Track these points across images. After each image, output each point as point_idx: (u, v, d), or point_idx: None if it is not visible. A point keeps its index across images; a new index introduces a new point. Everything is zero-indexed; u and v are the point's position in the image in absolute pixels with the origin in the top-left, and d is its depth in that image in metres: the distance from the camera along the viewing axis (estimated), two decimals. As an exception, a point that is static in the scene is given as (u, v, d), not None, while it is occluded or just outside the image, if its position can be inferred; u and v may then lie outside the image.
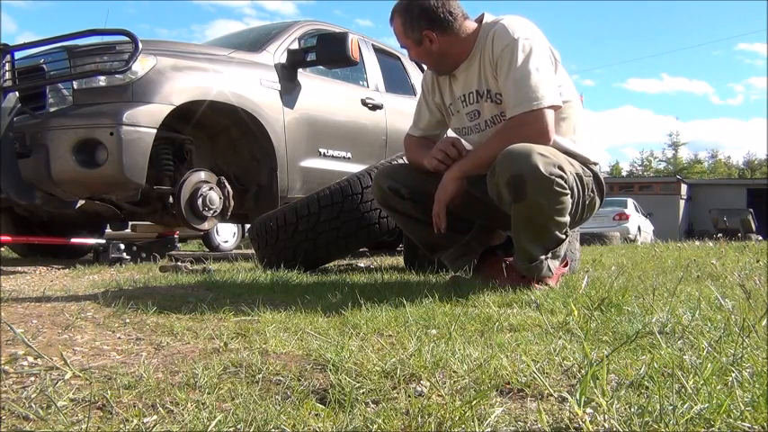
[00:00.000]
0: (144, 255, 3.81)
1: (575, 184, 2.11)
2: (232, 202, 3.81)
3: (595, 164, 2.31)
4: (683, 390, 0.88)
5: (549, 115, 2.05)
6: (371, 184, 2.52)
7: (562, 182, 1.99)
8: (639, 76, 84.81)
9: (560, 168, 2.00)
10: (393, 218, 2.57)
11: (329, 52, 3.98)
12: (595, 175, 2.29)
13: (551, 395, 0.93)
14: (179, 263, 3.13)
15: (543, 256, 2.09)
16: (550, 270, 2.12)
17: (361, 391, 0.95)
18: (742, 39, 76.40)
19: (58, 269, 3.44)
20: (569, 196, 2.05)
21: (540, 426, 0.81)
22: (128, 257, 3.68)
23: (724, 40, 76.78)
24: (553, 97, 2.06)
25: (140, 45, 3.19)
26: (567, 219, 2.09)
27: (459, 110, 2.29)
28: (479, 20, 2.25)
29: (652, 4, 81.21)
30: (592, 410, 0.84)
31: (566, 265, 2.32)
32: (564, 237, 2.13)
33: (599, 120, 72.50)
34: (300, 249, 2.82)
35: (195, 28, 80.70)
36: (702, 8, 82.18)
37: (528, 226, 2.07)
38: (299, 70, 4.14)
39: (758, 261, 3.22)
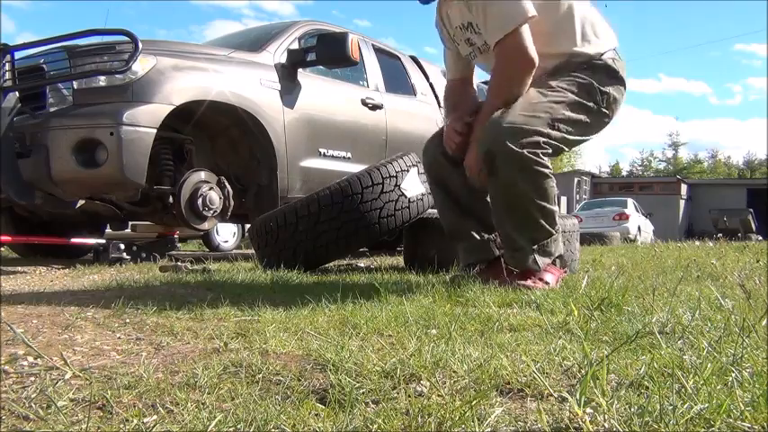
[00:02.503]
0: (144, 255, 3.81)
1: (565, 131, 2.11)
2: (232, 202, 3.81)
3: (604, 53, 2.24)
4: (683, 390, 0.88)
5: (523, 34, 2.09)
6: (422, 155, 2.49)
7: (536, 156, 2.00)
8: (637, 76, 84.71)
9: (538, 134, 2.01)
10: (434, 193, 2.52)
11: (329, 52, 3.98)
12: (606, 67, 2.23)
13: (551, 395, 0.93)
14: (179, 263, 3.13)
15: (529, 247, 2.10)
16: (537, 264, 2.11)
17: (361, 391, 0.95)
18: (739, 39, 76.39)
19: (58, 269, 3.44)
20: (548, 179, 2.06)
21: (540, 426, 0.81)
22: (128, 257, 3.67)
23: (721, 40, 76.89)
24: (518, 13, 2.08)
25: (140, 45, 3.19)
26: (551, 206, 2.10)
27: (459, 41, 2.36)
28: None
29: (651, 4, 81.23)
30: (592, 410, 0.84)
31: (565, 269, 2.31)
32: (551, 229, 2.12)
33: (598, 120, 72.13)
34: (300, 249, 2.82)
35: (194, 28, 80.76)
36: (700, 9, 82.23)
37: (510, 210, 2.09)
38: (299, 70, 4.14)
39: (758, 261, 3.22)
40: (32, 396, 0.93)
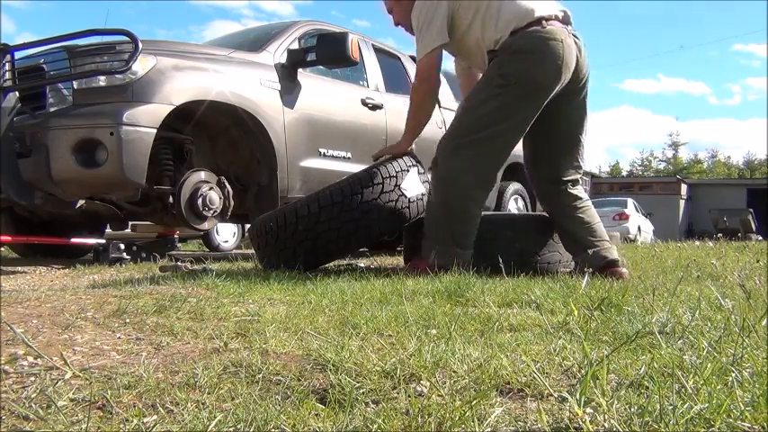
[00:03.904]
0: (144, 255, 3.81)
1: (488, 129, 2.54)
2: (232, 202, 3.81)
3: (500, 38, 2.57)
4: (683, 390, 0.88)
5: (427, 61, 2.68)
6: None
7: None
8: (636, 76, 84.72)
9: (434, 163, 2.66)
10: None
11: (329, 52, 3.98)
12: (505, 49, 2.56)
13: (551, 395, 0.93)
14: (179, 263, 3.13)
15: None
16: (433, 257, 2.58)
17: (361, 391, 0.95)
18: (737, 40, 76.35)
19: (58, 269, 3.44)
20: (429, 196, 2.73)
21: (540, 426, 0.81)
22: (128, 257, 3.67)
23: (720, 41, 76.87)
24: (427, 45, 2.65)
25: (140, 45, 3.18)
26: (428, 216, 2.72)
27: None
28: None
29: (649, 4, 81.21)
30: (592, 410, 0.84)
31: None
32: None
33: (597, 120, 72.48)
34: (301, 249, 2.81)
35: (193, 29, 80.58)
36: (698, 9, 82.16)
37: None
38: (299, 70, 4.14)
39: (758, 261, 3.22)
40: (32, 396, 0.93)
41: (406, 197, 2.85)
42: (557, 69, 2.51)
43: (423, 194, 2.91)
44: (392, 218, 2.85)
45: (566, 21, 2.66)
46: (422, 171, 2.96)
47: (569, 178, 2.80)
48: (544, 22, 2.54)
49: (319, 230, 2.78)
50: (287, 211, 2.85)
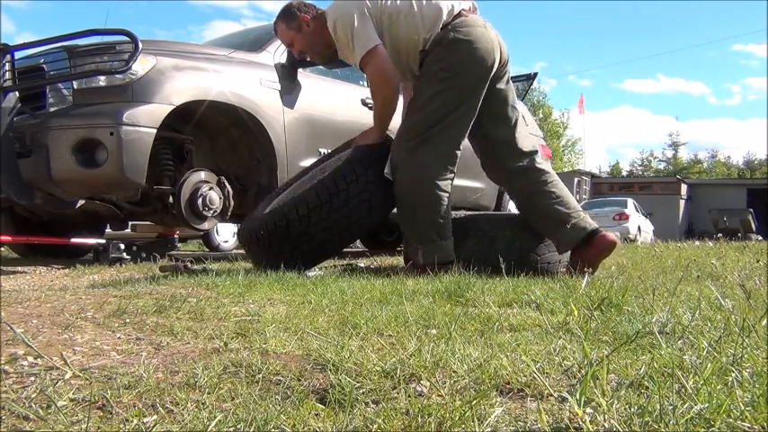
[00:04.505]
0: (144, 255, 3.80)
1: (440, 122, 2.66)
2: (232, 202, 3.80)
3: (430, 36, 2.69)
4: (683, 390, 0.88)
5: (377, 61, 2.68)
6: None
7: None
8: (636, 76, 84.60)
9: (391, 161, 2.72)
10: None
11: (329, 52, 3.97)
12: (437, 42, 2.69)
13: (551, 395, 0.93)
14: (179, 263, 3.13)
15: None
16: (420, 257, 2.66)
17: (361, 391, 0.95)
18: (737, 40, 76.30)
19: (58, 269, 3.44)
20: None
21: (540, 426, 0.81)
22: (128, 257, 3.67)
23: (719, 41, 76.80)
24: (365, 45, 2.66)
25: (140, 45, 3.18)
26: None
27: None
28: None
29: (648, 4, 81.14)
30: (592, 410, 0.84)
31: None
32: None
33: (597, 120, 72.42)
34: (297, 253, 2.78)
35: (192, 29, 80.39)
36: (696, 9, 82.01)
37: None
38: (299, 70, 4.14)
39: (758, 261, 3.22)
40: (32, 396, 0.93)
41: (392, 182, 2.80)
42: (491, 50, 2.69)
43: None
44: (382, 205, 2.82)
45: (475, 12, 2.86)
46: None
47: (531, 149, 2.86)
48: (464, 12, 2.76)
49: (312, 232, 2.75)
50: (276, 216, 2.80)
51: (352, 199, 2.73)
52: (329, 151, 4.13)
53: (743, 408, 0.80)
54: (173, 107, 3.35)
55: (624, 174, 47.17)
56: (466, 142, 2.82)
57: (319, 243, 2.79)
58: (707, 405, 0.81)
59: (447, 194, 2.71)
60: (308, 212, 2.72)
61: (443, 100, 2.63)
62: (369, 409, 0.90)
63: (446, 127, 2.65)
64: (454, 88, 2.63)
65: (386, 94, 2.79)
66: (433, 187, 2.67)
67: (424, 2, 2.73)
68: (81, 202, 3.64)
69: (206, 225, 3.77)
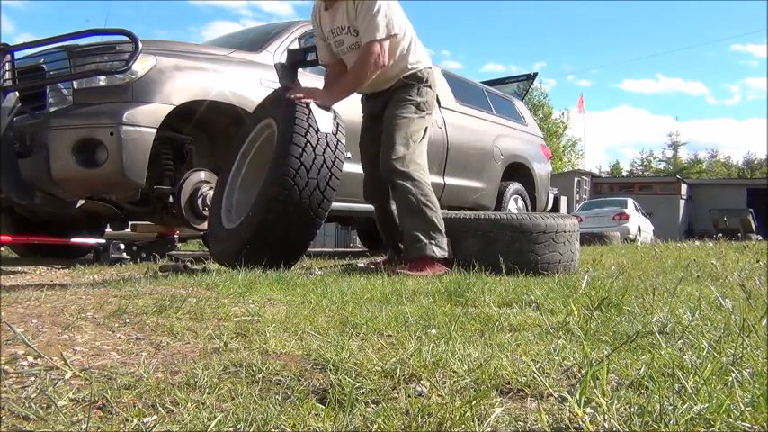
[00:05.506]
0: (144, 255, 3.81)
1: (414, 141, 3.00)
2: (232, 202, 3.80)
3: (423, 69, 3.10)
4: (683, 390, 0.88)
5: (384, 46, 2.87)
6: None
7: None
8: (635, 76, 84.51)
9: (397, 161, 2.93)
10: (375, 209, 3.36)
11: (329, 52, 3.97)
12: (419, 78, 3.09)
13: (551, 395, 0.93)
14: (179, 263, 3.13)
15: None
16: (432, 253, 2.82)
17: (361, 391, 0.95)
18: (736, 40, 76.21)
19: (58, 269, 3.44)
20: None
21: (540, 426, 0.81)
22: (128, 257, 3.68)
23: (718, 41, 76.74)
24: (389, 29, 2.87)
25: (140, 45, 3.18)
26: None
27: (329, 40, 3.10)
28: None
29: (647, 4, 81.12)
30: (592, 410, 0.84)
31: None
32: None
33: (596, 120, 72.37)
34: (278, 246, 2.74)
35: (192, 29, 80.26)
36: (696, 9, 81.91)
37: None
38: (299, 70, 4.13)
39: (758, 261, 3.22)
40: (32, 396, 0.93)
41: (326, 139, 2.76)
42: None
43: (335, 118, 2.89)
44: (338, 161, 2.78)
45: None
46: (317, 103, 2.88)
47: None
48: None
49: (292, 221, 2.71)
50: (251, 213, 2.76)
51: (313, 171, 2.68)
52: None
53: (743, 408, 0.80)
54: (173, 107, 3.35)
55: (624, 174, 47.16)
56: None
57: (299, 228, 2.74)
58: (707, 405, 0.81)
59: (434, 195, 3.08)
60: (285, 199, 2.66)
61: (416, 127, 3.05)
62: (369, 408, 0.90)
63: (419, 146, 3.05)
64: (425, 121, 3.12)
65: (365, 79, 2.94)
66: (429, 190, 2.96)
67: (418, 41, 3.16)
68: (81, 201, 3.64)
69: (206, 225, 3.77)
